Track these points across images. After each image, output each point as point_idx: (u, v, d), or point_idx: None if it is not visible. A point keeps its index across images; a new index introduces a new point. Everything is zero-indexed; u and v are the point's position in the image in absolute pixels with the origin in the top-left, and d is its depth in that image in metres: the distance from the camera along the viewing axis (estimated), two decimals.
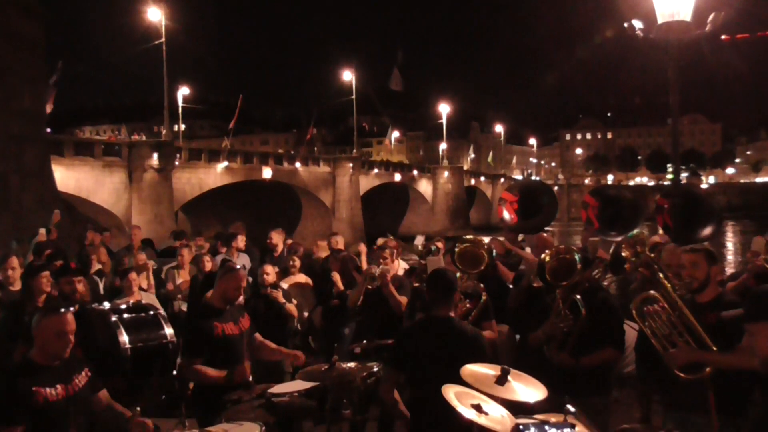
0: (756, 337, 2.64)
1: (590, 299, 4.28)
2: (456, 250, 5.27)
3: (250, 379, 4.54)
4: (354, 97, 53.35)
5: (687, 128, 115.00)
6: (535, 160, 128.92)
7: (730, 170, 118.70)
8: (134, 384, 4.97)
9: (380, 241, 8.41)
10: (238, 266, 4.88)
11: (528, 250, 7.35)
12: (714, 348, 3.63)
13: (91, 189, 29.47)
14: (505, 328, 5.67)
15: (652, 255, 4.41)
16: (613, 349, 4.32)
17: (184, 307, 7.62)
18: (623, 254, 4.43)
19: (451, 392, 3.07)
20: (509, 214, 6.65)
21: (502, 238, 7.32)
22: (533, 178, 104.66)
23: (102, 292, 7.40)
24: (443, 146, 71.22)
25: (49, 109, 19.16)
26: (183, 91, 53.29)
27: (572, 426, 3.07)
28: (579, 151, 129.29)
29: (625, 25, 6.92)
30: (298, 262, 7.82)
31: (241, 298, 5.22)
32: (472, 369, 3.32)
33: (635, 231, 5.04)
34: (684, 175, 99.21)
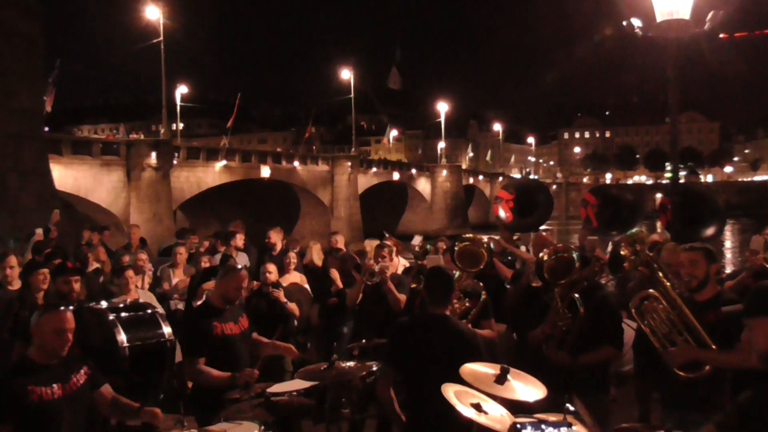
0: (754, 332, 2.66)
1: (589, 298, 4.27)
2: (455, 248, 5.26)
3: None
4: (352, 95, 53.38)
5: (685, 126, 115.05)
6: (533, 159, 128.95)
7: (728, 169, 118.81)
8: (132, 383, 4.96)
9: (368, 247, 8.10)
10: (239, 266, 4.87)
11: (523, 248, 7.36)
12: (713, 346, 3.64)
13: (89, 188, 29.42)
14: (503, 327, 5.67)
15: (651, 254, 4.41)
16: (611, 347, 4.32)
17: (181, 306, 7.58)
18: (622, 253, 4.43)
19: (450, 391, 3.07)
20: (505, 213, 6.66)
21: (497, 237, 7.32)
22: (531, 176, 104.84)
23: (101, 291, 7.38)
24: (441, 145, 71.22)
25: (48, 107, 19.14)
26: (181, 90, 53.28)
27: (570, 425, 3.07)
28: (577, 149, 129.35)
29: (624, 23, 6.92)
30: (294, 260, 7.68)
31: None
32: (471, 368, 3.31)
33: (634, 229, 5.04)
34: (682, 173, 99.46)
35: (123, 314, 5.11)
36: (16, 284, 5.96)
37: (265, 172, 41.68)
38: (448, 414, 3.08)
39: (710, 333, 3.68)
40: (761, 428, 2.45)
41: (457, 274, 4.90)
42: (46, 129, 20.53)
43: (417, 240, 8.89)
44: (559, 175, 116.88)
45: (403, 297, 5.92)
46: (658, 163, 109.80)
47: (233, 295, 4.60)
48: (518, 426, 3.03)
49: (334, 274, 7.22)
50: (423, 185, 62.00)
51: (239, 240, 8.87)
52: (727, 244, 44.00)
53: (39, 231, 8.55)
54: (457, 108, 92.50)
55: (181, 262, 8.02)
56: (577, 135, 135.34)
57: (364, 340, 5.47)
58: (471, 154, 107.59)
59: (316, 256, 8.48)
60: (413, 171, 62.37)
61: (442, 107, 67.06)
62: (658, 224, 7.98)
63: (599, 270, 5.94)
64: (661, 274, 4.05)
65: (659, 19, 6.71)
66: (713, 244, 5.02)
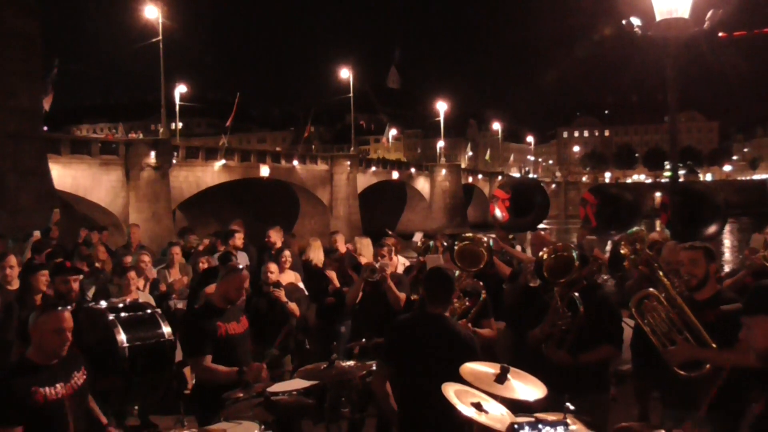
0: (753, 330, 2.66)
1: (588, 297, 4.27)
2: (455, 247, 5.26)
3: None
4: (351, 95, 53.38)
5: (684, 126, 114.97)
6: (532, 158, 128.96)
7: (727, 167, 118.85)
8: (132, 382, 4.96)
9: (358, 244, 7.99)
10: (240, 266, 4.86)
11: (518, 248, 7.35)
12: (713, 345, 3.64)
13: (88, 187, 29.39)
14: (501, 326, 5.67)
15: (651, 252, 4.42)
16: (611, 346, 4.32)
17: (180, 305, 7.56)
18: (622, 252, 4.43)
19: (451, 390, 3.07)
20: (501, 212, 6.66)
21: (494, 236, 7.32)
22: (530, 175, 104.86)
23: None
24: (441, 144, 71.23)
25: (47, 107, 19.13)
26: (180, 89, 53.15)
27: (568, 424, 3.07)
28: (576, 148, 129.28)
29: (624, 22, 6.92)
30: (289, 259, 7.51)
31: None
32: (472, 367, 3.32)
33: (634, 228, 5.04)
34: (681, 172, 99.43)
35: (122, 314, 5.11)
36: (15, 284, 5.95)
37: (264, 171, 41.66)
38: (443, 412, 3.09)
39: (710, 332, 3.68)
40: None
41: (456, 273, 4.90)
42: (45, 128, 20.50)
43: (418, 236, 8.89)
44: (558, 174, 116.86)
45: (402, 295, 5.93)
46: (658, 162, 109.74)
47: (234, 295, 4.58)
48: (516, 426, 3.03)
49: (331, 273, 7.21)
50: (422, 184, 62.01)
51: (238, 239, 8.84)
52: (726, 242, 44.00)
53: (36, 233, 8.54)
54: (456, 107, 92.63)
55: (176, 262, 7.99)
56: (576, 134, 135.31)
57: (364, 339, 5.47)
58: (470, 154, 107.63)
59: (315, 254, 8.41)
60: (412, 170, 62.36)
61: (441, 106, 67.09)
62: (658, 223, 7.99)
63: (597, 269, 5.94)
64: (661, 273, 4.05)
65: (659, 18, 6.72)
66: (712, 243, 5.02)
